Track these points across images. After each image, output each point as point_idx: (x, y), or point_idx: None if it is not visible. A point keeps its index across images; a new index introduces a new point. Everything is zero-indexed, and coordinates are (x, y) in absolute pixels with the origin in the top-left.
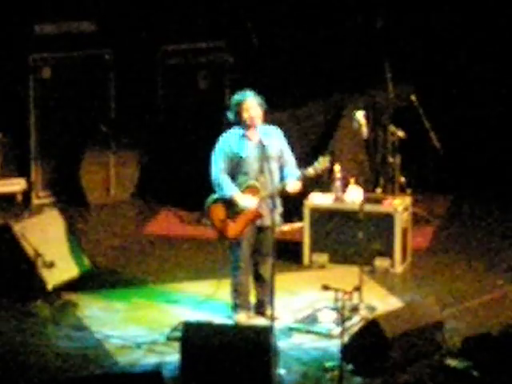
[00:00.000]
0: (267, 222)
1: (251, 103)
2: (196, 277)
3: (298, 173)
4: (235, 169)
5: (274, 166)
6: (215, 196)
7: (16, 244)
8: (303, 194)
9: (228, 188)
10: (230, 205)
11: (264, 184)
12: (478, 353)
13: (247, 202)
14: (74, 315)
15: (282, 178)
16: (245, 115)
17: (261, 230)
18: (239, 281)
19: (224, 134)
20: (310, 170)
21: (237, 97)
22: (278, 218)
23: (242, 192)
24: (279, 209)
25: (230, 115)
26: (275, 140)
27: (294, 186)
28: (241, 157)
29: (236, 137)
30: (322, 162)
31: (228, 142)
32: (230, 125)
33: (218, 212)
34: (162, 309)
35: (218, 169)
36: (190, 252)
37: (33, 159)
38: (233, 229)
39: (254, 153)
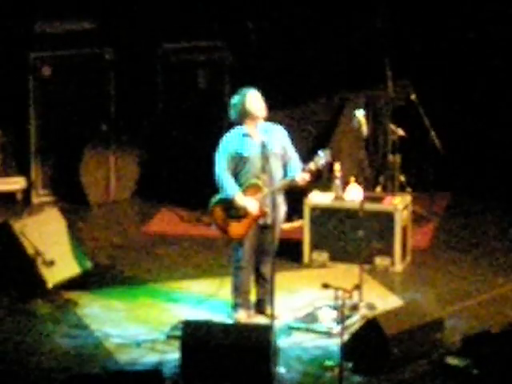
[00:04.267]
0: (269, 220)
1: (254, 96)
2: (196, 275)
3: (301, 166)
4: (238, 168)
5: (277, 163)
6: (219, 196)
7: (16, 242)
8: (303, 193)
9: (230, 188)
10: (233, 205)
11: (266, 182)
12: (478, 351)
13: (248, 203)
14: (73, 314)
15: (285, 175)
16: (250, 108)
17: (263, 228)
18: (240, 280)
19: (227, 134)
20: (311, 165)
21: (239, 93)
22: (281, 216)
23: (244, 191)
24: (283, 208)
25: (233, 114)
26: (277, 137)
27: (302, 177)
28: (244, 156)
29: (238, 136)
30: (323, 157)
31: (231, 142)
32: (231, 124)
33: (221, 213)
34: (162, 307)
35: (221, 169)
36: (190, 251)
37: (33, 158)
38: (237, 229)
39: (257, 151)
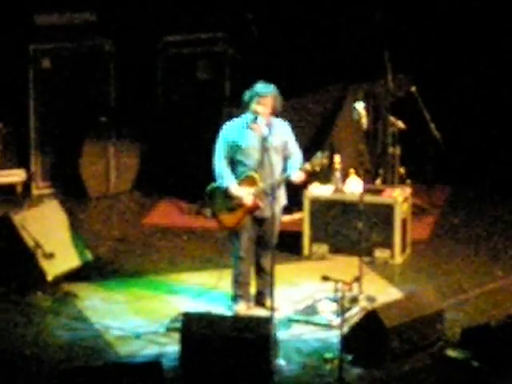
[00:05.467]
0: (267, 213)
1: (265, 94)
2: (196, 268)
3: (299, 164)
4: (236, 158)
5: (276, 158)
6: (215, 185)
7: (16, 235)
8: (303, 185)
9: (226, 178)
10: (228, 195)
11: (264, 176)
12: (478, 343)
13: (242, 193)
14: (74, 306)
15: (285, 170)
16: (258, 108)
17: (261, 221)
18: (240, 271)
19: (228, 123)
20: (307, 166)
21: (259, 88)
22: (278, 210)
23: (239, 182)
24: (282, 201)
25: (245, 99)
26: (280, 132)
27: (297, 176)
28: (242, 147)
29: (240, 126)
30: (320, 158)
31: (231, 131)
32: (230, 115)
33: (216, 201)
34: (161, 300)
35: (219, 157)
36: (189, 243)
37: (33, 150)
38: (230, 218)
39: (256, 144)
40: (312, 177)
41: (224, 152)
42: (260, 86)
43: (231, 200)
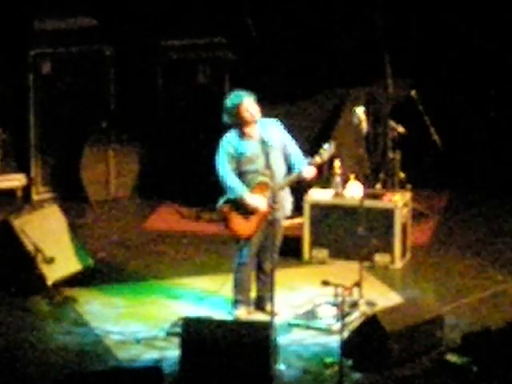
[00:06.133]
0: (278, 214)
1: (249, 102)
2: (196, 272)
3: (305, 159)
4: (241, 167)
5: (278, 158)
6: (226, 197)
7: (16, 239)
8: (304, 189)
9: (238, 189)
10: (241, 204)
11: (272, 178)
12: (478, 348)
13: (257, 202)
14: (73, 311)
15: (289, 168)
16: (246, 114)
17: (271, 223)
18: (242, 277)
19: (225, 136)
20: (317, 159)
21: (233, 99)
22: (285, 211)
23: (252, 190)
24: (289, 202)
25: (226, 118)
26: (275, 132)
27: (309, 171)
28: (245, 155)
29: (236, 137)
30: (328, 149)
31: (230, 143)
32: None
33: (230, 213)
34: (161, 304)
35: (225, 170)
36: (189, 248)
37: (33, 155)
38: (246, 228)
39: (257, 149)
40: (320, 172)
41: (228, 164)
42: (240, 95)
43: (246, 209)
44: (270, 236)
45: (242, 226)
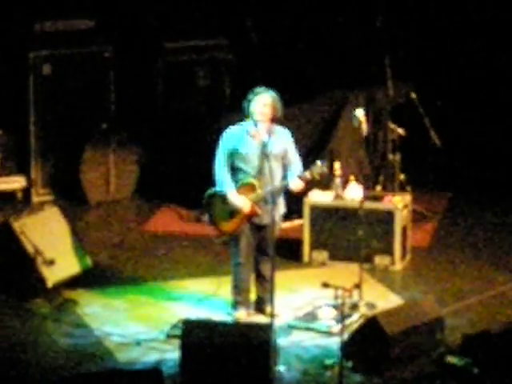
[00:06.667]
0: (266, 220)
1: (262, 101)
2: (196, 274)
3: (299, 172)
4: (235, 165)
5: (275, 165)
6: (214, 190)
7: (16, 241)
8: (302, 193)
9: (225, 185)
10: (226, 201)
11: (263, 182)
12: (478, 350)
13: (239, 201)
14: (73, 313)
15: (284, 177)
16: (252, 110)
17: (260, 228)
18: (239, 278)
19: (227, 130)
20: (307, 174)
21: (253, 92)
22: (278, 217)
23: (238, 189)
24: (281, 208)
25: (246, 104)
26: (280, 139)
27: (296, 184)
28: (241, 153)
29: (240, 132)
30: (319, 167)
31: (231, 138)
32: (230, 122)
33: (214, 206)
34: (161, 306)
35: (219, 164)
36: (189, 249)
37: (33, 157)
38: (228, 224)
39: (255, 150)
40: (311, 185)
41: (224, 159)
42: (260, 91)
43: (230, 206)
44: (265, 240)
45: (223, 221)
